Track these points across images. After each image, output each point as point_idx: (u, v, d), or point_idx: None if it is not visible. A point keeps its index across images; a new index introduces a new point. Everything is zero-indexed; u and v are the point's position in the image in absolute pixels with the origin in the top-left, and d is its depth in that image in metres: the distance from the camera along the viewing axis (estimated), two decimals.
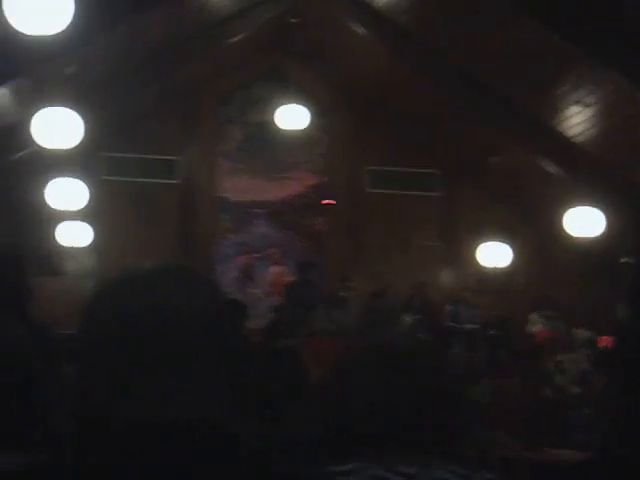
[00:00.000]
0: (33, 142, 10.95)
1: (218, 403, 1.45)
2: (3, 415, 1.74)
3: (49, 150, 11.08)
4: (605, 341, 14.26)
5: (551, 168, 14.71)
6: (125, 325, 1.43)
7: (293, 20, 15.42)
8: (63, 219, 14.81)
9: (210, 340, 1.46)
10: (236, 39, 15.11)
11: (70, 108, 10.40)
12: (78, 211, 14.14)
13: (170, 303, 1.45)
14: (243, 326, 9.93)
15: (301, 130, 15.29)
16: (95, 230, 15.69)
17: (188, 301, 1.47)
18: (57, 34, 7.52)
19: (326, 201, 18.20)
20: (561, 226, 13.41)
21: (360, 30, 14.44)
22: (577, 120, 13.24)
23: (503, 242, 15.35)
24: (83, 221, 14.98)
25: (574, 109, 12.96)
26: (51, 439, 1.90)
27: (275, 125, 15.44)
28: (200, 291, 1.52)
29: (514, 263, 16.25)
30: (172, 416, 1.40)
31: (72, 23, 7.47)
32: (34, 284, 3.63)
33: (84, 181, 13.89)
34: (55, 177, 13.38)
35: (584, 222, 12.93)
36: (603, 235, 13.03)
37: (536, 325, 16.27)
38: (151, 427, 1.40)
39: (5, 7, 7.16)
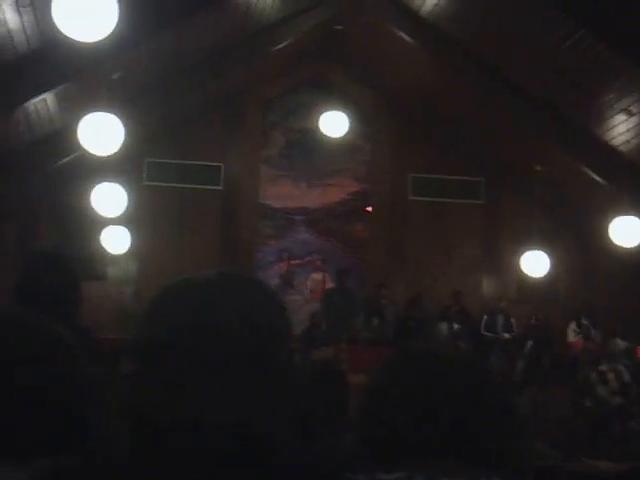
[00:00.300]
0: (78, 147, 11.03)
1: (269, 414, 1.46)
2: (47, 420, 1.75)
3: (94, 155, 11.15)
4: None
5: (595, 176, 14.60)
6: (186, 331, 1.44)
7: (337, 27, 15.44)
8: (106, 224, 14.90)
9: (270, 351, 1.47)
10: (280, 46, 15.15)
11: (114, 114, 10.47)
12: (121, 216, 14.22)
13: (232, 311, 1.46)
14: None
15: (344, 137, 15.29)
16: (137, 235, 15.79)
17: (250, 311, 1.48)
18: (102, 40, 7.58)
19: (368, 208, 18.20)
20: (603, 235, 13.30)
21: (404, 37, 14.42)
22: (622, 129, 13.14)
23: (545, 250, 15.24)
24: (125, 226, 15.07)
25: (619, 117, 12.87)
26: (97, 442, 1.91)
27: (318, 132, 15.46)
28: (263, 301, 1.52)
29: (555, 272, 16.14)
30: (226, 422, 1.41)
31: (117, 29, 7.53)
32: (83, 288, 3.65)
33: (127, 186, 13.97)
34: (99, 182, 13.48)
35: (627, 231, 12.82)
36: None
37: (574, 334, 16.17)
38: (204, 431, 1.41)
39: (54, 13, 7.23)
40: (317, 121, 15.18)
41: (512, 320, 16.52)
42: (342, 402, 4.25)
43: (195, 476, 1.40)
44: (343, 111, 14.79)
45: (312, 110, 16.99)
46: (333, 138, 15.28)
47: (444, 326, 15.84)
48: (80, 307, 3.66)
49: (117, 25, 7.43)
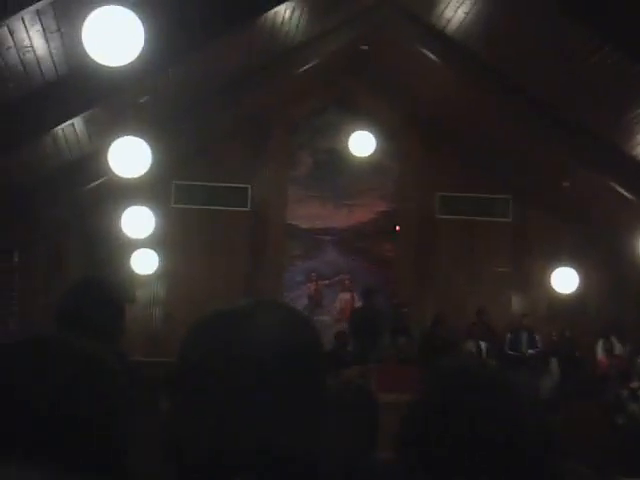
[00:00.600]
0: (107, 171, 11.11)
1: (310, 441, 1.47)
2: (90, 452, 1.76)
3: (122, 179, 11.23)
4: None
5: (624, 192, 14.54)
6: (221, 364, 1.45)
7: (363, 47, 15.47)
8: (135, 247, 14.98)
9: (306, 379, 1.48)
10: (306, 67, 15.20)
11: (142, 137, 10.55)
12: (149, 239, 14.29)
13: (268, 340, 1.47)
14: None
15: (371, 156, 15.31)
16: (165, 258, 15.86)
17: (286, 340, 1.49)
18: (129, 64, 7.64)
19: (396, 227, 18.20)
20: (632, 251, 13.24)
21: (430, 56, 14.44)
22: None
23: (574, 267, 15.19)
24: (154, 249, 15.13)
25: None
26: (135, 472, 1.92)
27: (345, 152, 15.49)
28: (298, 330, 1.53)
29: (585, 288, 16.08)
30: (268, 452, 1.42)
31: (143, 53, 7.59)
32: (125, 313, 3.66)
33: (156, 209, 14.05)
34: (128, 205, 13.56)
35: None
36: None
37: (602, 352, 16.10)
38: (241, 458, 1.41)
39: (84, 38, 7.30)
40: (344, 141, 15.24)
41: (536, 336, 16.46)
42: (372, 420, 4.25)
43: None
44: (370, 131, 14.83)
45: (339, 130, 17.04)
46: (360, 158, 15.32)
47: (470, 344, 15.79)
48: (123, 333, 3.67)
49: (143, 49, 7.49)
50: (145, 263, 15.34)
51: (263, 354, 1.44)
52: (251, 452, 1.41)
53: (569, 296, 15.77)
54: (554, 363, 16.03)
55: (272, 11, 12.01)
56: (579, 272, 15.28)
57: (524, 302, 17.86)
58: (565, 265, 15.19)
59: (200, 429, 1.45)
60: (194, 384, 1.47)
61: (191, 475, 1.44)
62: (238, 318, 1.51)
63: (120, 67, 7.78)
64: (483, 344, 15.79)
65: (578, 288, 15.44)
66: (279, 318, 1.53)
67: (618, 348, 15.93)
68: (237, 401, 1.42)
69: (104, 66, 7.70)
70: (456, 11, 12.85)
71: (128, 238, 14.06)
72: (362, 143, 14.86)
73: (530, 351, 16.27)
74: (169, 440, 1.50)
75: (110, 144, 10.58)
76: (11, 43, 9.28)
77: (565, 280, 15.26)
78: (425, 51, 14.45)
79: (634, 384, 14.06)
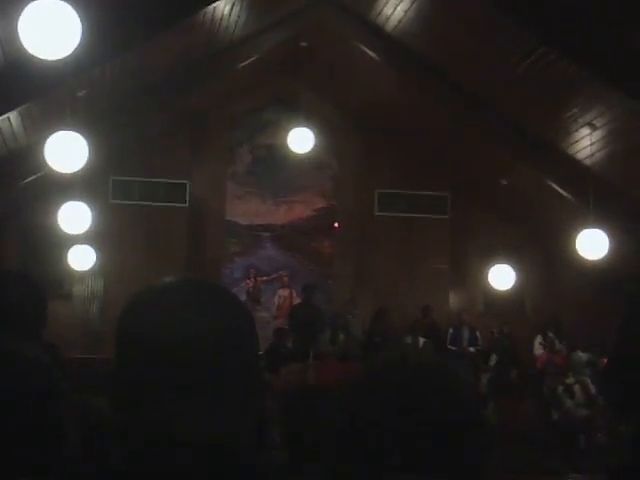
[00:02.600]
0: (44, 166, 10.99)
1: (236, 427, 1.46)
2: (19, 439, 1.74)
3: (59, 174, 11.11)
4: None
5: (560, 190, 14.70)
6: (153, 340, 1.43)
7: (302, 44, 15.46)
8: (72, 243, 14.83)
9: (239, 359, 1.47)
10: (245, 63, 15.16)
11: (79, 132, 10.45)
12: (86, 235, 14.16)
13: (201, 321, 1.46)
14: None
15: (310, 153, 15.31)
16: (103, 254, 15.71)
17: (217, 319, 1.47)
18: (67, 58, 7.56)
19: (335, 224, 18.23)
20: (569, 248, 13.38)
21: (370, 53, 14.48)
22: (586, 142, 13.24)
23: (511, 264, 15.34)
24: (91, 245, 15.00)
25: (583, 131, 12.98)
26: (65, 460, 1.90)
27: (284, 148, 15.48)
28: (231, 310, 1.52)
29: (522, 285, 16.24)
30: (197, 438, 1.41)
31: (80, 47, 7.51)
32: (48, 308, 3.64)
33: (93, 205, 13.92)
34: (65, 201, 13.42)
35: (592, 244, 12.91)
36: (609, 258, 12.98)
37: (539, 348, 16.27)
38: (179, 447, 1.40)
39: (20, 31, 7.21)
40: (283, 138, 15.21)
41: (477, 334, 16.63)
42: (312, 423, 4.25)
43: None
44: (309, 128, 14.81)
45: (278, 127, 17.04)
46: (299, 155, 15.30)
47: (409, 340, 15.86)
48: (46, 325, 3.65)
49: (80, 43, 7.42)
50: (82, 259, 15.18)
51: (195, 336, 1.43)
52: (185, 437, 1.41)
53: (506, 293, 15.91)
54: (494, 359, 16.19)
55: (211, 6, 11.97)
56: (516, 269, 15.43)
57: (461, 299, 18.01)
58: (502, 262, 15.33)
59: (133, 416, 1.44)
60: (128, 371, 1.46)
61: (133, 460, 1.43)
62: (169, 298, 1.50)
63: (57, 61, 7.69)
64: (422, 340, 15.86)
65: (515, 285, 15.59)
66: (209, 296, 1.52)
67: (556, 344, 16.11)
68: (167, 384, 1.41)
69: (41, 59, 7.61)
70: (395, 9, 12.90)
71: (65, 234, 13.91)
72: (301, 140, 14.84)
73: (471, 348, 16.42)
74: (111, 426, 1.49)
75: (47, 139, 10.47)
76: None
77: (502, 277, 15.40)
78: (364, 48, 14.49)
79: (569, 380, 14.22)
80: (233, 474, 1.41)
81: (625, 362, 1.93)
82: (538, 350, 16.22)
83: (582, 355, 14.77)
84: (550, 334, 16.20)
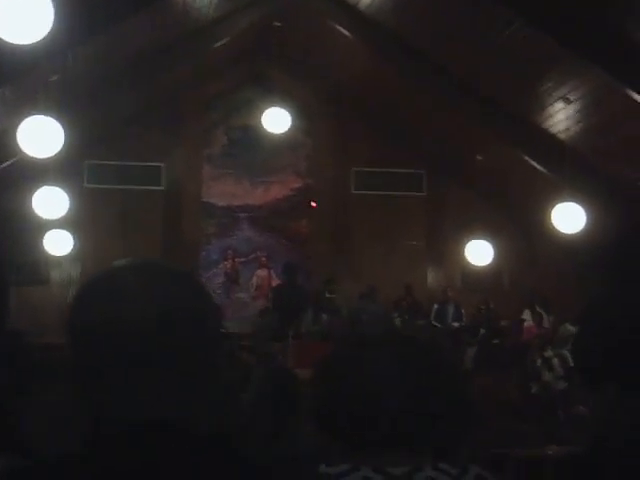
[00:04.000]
0: (18, 151, 10.93)
1: (200, 406, 1.46)
2: None
3: (33, 159, 11.04)
4: None
5: (536, 165, 14.74)
6: (106, 324, 1.43)
7: (276, 24, 15.40)
8: (48, 228, 14.76)
9: (194, 341, 1.46)
10: (219, 44, 15.09)
11: (53, 117, 10.39)
12: (62, 219, 14.10)
13: (152, 300, 1.45)
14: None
15: (285, 133, 15.28)
16: (79, 238, 15.65)
17: (172, 298, 1.47)
18: (39, 43, 7.50)
19: (312, 203, 18.22)
20: (545, 222, 13.43)
21: (343, 31, 14.44)
22: (561, 117, 13.27)
23: (488, 240, 15.38)
24: (67, 229, 14.93)
25: (558, 106, 13.00)
26: (24, 445, 1.90)
27: (260, 129, 15.44)
28: (185, 288, 1.51)
29: (499, 260, 16.30)
30: (154, 416, 1.41)
31: (54, 32, 7.46)
32: (12, 293, 3.59)
33: (68, 189, 13.85)
34: (40, 186, 13.35)
35: (568, 218, 12.96)
36: (587, 231, 13.04)
37: (527, 322, 16.33)
38: (135, 427, 1.40)
39: None
40: (258, 118, 15.17)
41: (462, 310, 16.69)
42: (293, 401, 4.27)
43: (127, 474, 1.39)
44: (284, 107, 14.78)
45: (253, 107, 16.98)
46: (275, 135, 15.27)
47: (397, 318, 15.92)
48: (8, 311, 3.59)
49: (53, 27, 7.36)
50: (59, 244, 15.12)
51: (144, 316, 1.43)
52: (150, 418, 1.41)
53: (484, 268, 15.97)
54: (481, 335, 16.24)
55: None
56: (493, 245, 15.47)
57: (439, 275, 18.06)
58: (479, 238, 15.37)
59: (94, 400, 1.44)
60: (85, 356, 1.46)
61: (99, 444, 1.43)
62: (120, 278, 1.49)
63: (29, 45, 7.63)
64: (408, 318, 15.92)
65: (493, 260, 15.64)
66: (162, 277, 1.51)
67: (545, 318, 16.17)
68: (117, 365, 1.41)
69: (13, 44, 7.55)
70: None
71: (41, 219, 13.85)
72: (276, 120, 14.80)
73: (455, 324, 16.47)
74: (76, 411, 1.49)
75: (20, 124, 10.40)
76: None
77: (479, 253, 15.44)
78: (338, 27, 14.45)
79: (548, 353, 14.29)
80: (199, 452, 1.41)
81: (594, 332, 1.95)
82: (528, 323, 16.25)
83: (570, 328, 14.84)
84: (538, 308, 16.26)
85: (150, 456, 1.39)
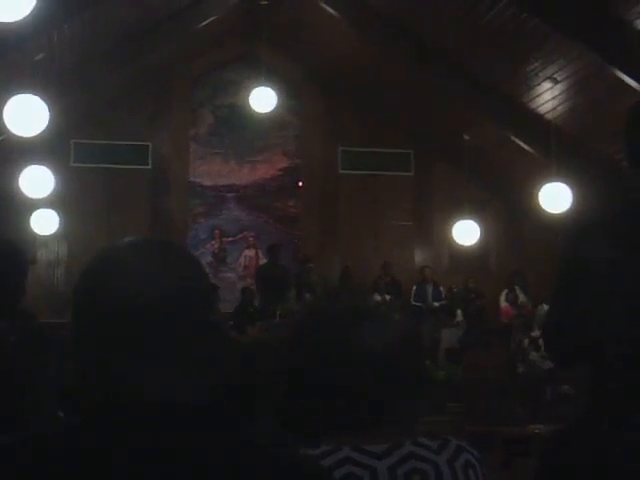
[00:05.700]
0: (3, 130, 10.88)
1: (197, 387, 1.45)
2: None
3: (19, 138, 11.00)
4: None
5: (523, 145, 14.75)
6: (121, 298, 1.43)
7: (263, 2, 15.33)
8: (35, 207, 14.73)
9: (193, 320, 1.46)
10: (206, 22, 15.04)
11: (39, 95, 10.34)
12: (49, 199, 14.07)
13: (153, 279, 1.45)
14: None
15: (272, 112, 15.25)
16: (66, 217, 15.61)
17: (172, 278, 1.46)
18: (24, 21, 7.47)
19: (299, 183, 18.21)
20: (532, 202, 13.46)
21: (329, 10, 14.40)
22: (548, 96, 13.28)
23: (475, 220, 15.39)
24: (54, 209, 14.90)
25: (545, 85, 13.00)
26: (34, 421, 1.90)
27: (247, 108, 15.40)
28: (184, 268, 1.51)
29: (486, 240, 16.33)
30: (152, 398, 1.41)
31: (39, 9, 7.42)
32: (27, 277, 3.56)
33: (55, 168, 13.81)
34: (25, 165, 13.31)
35: (555, 198, 12.99)
36: (573, 210, 13.07)
37: (504, 301, 16.42)
38: (136, 407, 1.40)
39: None
40: (245, 98, 15.13)
41: (441, 289, 16.73)
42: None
43: (129, 450, 1.39)
44: (271, 87, 14.75)
45: (240, 86, 16.92)
46: (262, 114, 15.24)
47: (376, 298, 15.92)
48: (24, 293, 3.58)
49: (37, 5, 7.32)
50: (45, 223, 15.09)
51: (159, 294, 1.42)
52: (153, 395, 1.41)
53: (471, 248, 15.99)
54: (459, 314, 16.30)
55: None
56: (480, 224, 15.49)
57: (427, 255, 18.07)
58: (466, 218, 15.38)
59: (87, 377, 1.44)
60: (94, 330, 1.46)
61: (101, 420, 1.42)
62: (121, 258, 1.49)
63: (14, 23, 7.59)
64: (388, 297, 15.94)
65: (480, 240, 15.66)
66: (163, 256, 1.51)
67: (521, 298, 16.24)
68: (124, 342, 1.41)
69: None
70: None
71: (27, 198, 13.81)
72: (263, 99, 14.77)
73: (435, 303, 16.52)
74: (65, 389, 1.48)
75: (6, 103, 10.35)
76: None
77: (466, 232, 15.46)
78: (324, 5, 14.41)
79: (535, 333, 14.35)
80: (200, 430, 1.41)
81: (565, 316, 1.95)
82: (504, 304, 16.36)
83: (546, 308, 14.89)
84: (516, 288, 16.33)
85: (150, 438, 1.38)
